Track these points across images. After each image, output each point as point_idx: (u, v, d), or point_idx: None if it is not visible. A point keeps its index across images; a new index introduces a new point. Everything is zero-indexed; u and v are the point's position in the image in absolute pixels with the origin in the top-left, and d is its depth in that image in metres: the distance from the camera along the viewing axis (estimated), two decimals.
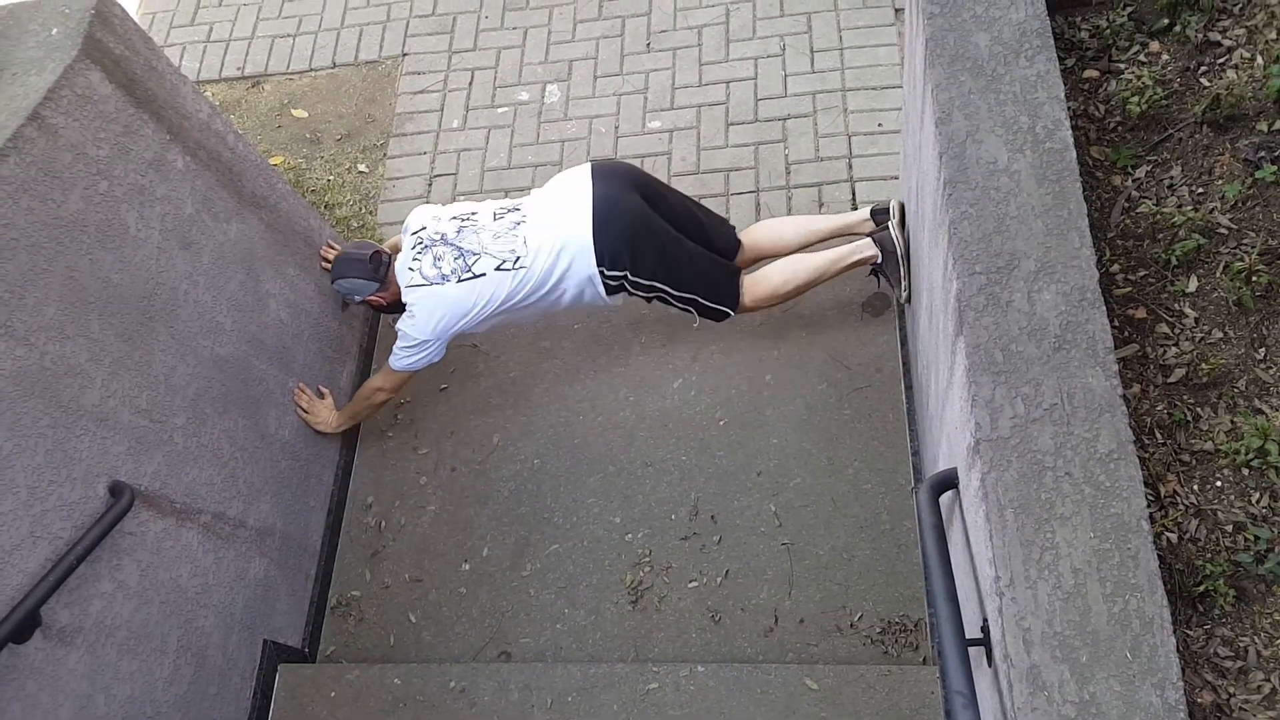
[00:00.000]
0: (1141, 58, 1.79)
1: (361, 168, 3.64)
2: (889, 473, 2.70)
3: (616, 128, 3.54)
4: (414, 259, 2.62)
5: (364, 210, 3.52)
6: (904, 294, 2.57)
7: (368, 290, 2.69)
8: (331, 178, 3.63)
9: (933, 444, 2.15)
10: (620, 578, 2.71)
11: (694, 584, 2.66)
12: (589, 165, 2.63)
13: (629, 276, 2.54)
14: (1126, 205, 1.67)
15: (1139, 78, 1.74)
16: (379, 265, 2.68)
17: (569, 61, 3.75)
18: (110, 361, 2.08)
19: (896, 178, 3.15)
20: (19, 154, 1.88)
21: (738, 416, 2.88)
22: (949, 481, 1.66)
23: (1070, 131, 1.59)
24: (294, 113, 3.84)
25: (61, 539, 1.93)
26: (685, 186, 3.33)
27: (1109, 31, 1.79)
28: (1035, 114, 1.62)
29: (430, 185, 3.54)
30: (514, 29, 3.90)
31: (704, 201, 3.28)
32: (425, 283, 2.57)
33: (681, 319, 3.04)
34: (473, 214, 2.64)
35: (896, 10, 3.65)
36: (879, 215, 2.67)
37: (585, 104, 3.62)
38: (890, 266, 2.59)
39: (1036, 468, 1.36)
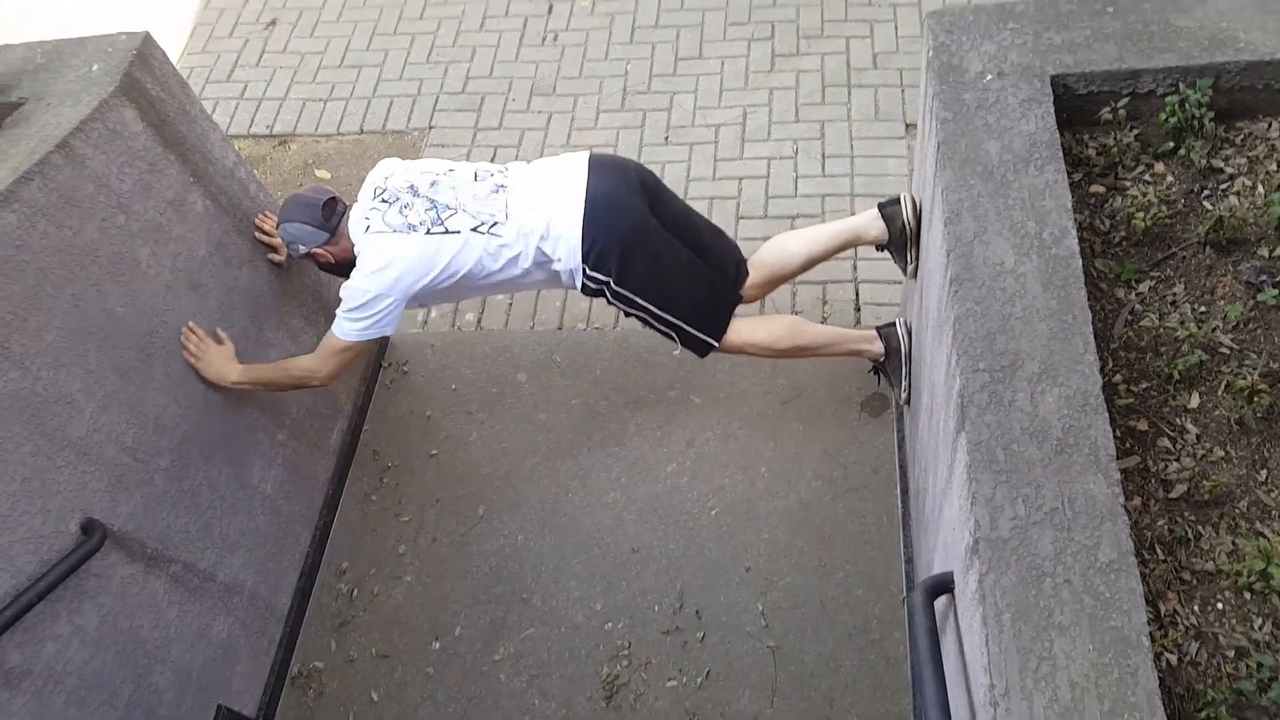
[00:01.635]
0: (1147, 177, 1.83)
1: None
2: (880, 579, 2.64)
3: None
4: (373, 208, 2.33)
5: None
6: (904, 395, 2.55)
7: (315, 240, 2.35)
8: None
9: (928, 549, 2.11)
10: (596, 670, 2.62)
11: (673, 683, 2.57)
12: (586, 153, 2.41)
13: (611, 285, 2.35)
14: (1130, 318, 1.68)
15: (1144, 195, 1.78)
16: (331, 214, 2.36)
17: (589, 147, 3.83)
18: (103, 395, 2.06)
19: (900, 282, 3.19)
20: (43, 179, 1.91)
21: (730, 507, 2.84)
22: (944, 585, 1.62)
23: (1076, 240, 1.61)
24: (317, 173, 3.91)
25: (25, 573, 1.88)
26: None
27: (1115, 150, 1.83)
28: (1043, 221, 1.65)
29: None
30: (539, 113, 4.01)
31: None
32: (387, 229, 2.28)
33: (681, 403, 3.04)
34: (450, 170, 2.39)
35: (907, 125, 3.76)
36: (888, 208, 2.42)
37: None
38: (893, 365, 2.55)
39: (1036, 572, 1.33)
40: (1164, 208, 1.74)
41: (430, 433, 3.12)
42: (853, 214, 3.44)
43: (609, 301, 2.44)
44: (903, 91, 3.86)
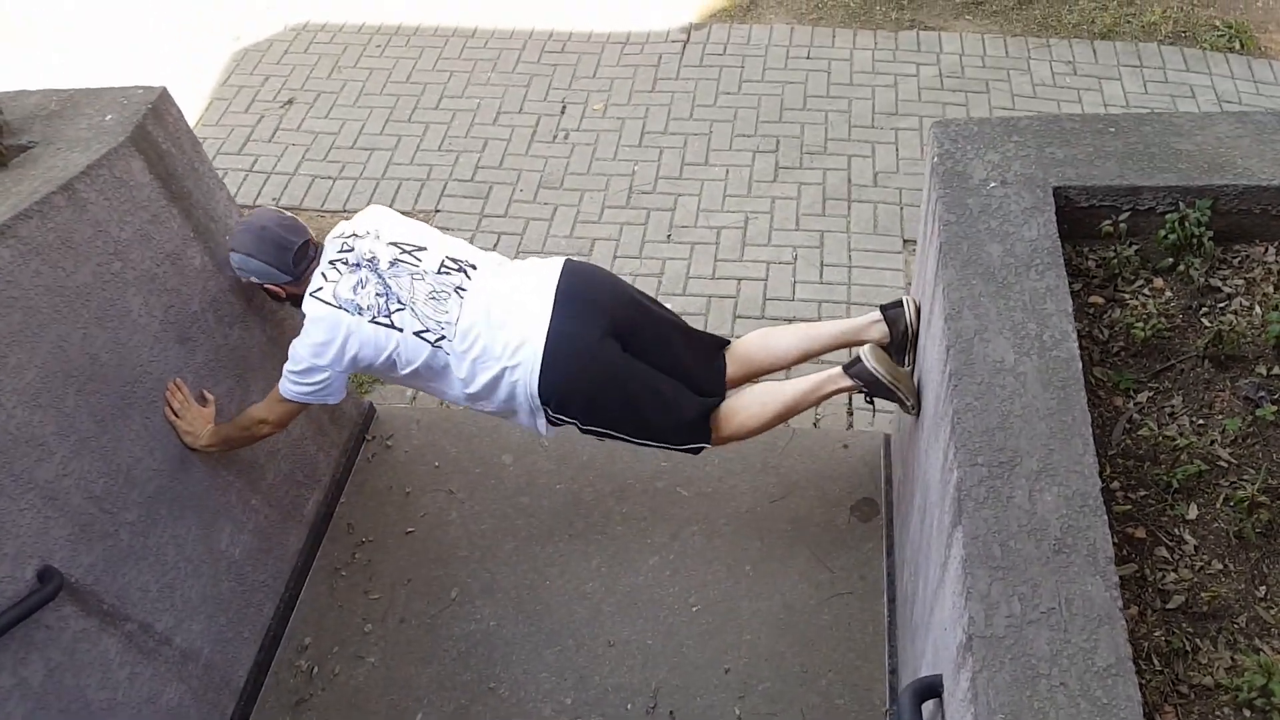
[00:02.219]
0: (1146, 291, 1.85)
1: None
2: (864, 690, 2.54)
3: None
4: (332, 268, 2.24)
5: None
6: (913, 407, 2.21)
7: (273, 280, 2.28)
8: None
9: (915, 655, 2.04)
10: None
11: None
12: (560, 265, 2.29)
13: (580, 425, 2.28)
14: (1128, 426, 1.67)
15: (1144, 306, 1.79)
16: (302, 259, 2.26)
17: (592, 239, 3.90)
18: (76, 439, 2.01)
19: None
20: (42, 218, 1.90)
21: (711, 605, 2.75)
22: (933, 689, 1.56)
23: (1076, 343, 1.61)
24: None
25: None
26: None
27: (1115, 262, 1.86)
28: (1043, 323, 1.65)
29: None
30: (545, 204, 4.08)
31: None
32: (334, 304, 2.19)
33: (668, 495, 2.99)
34: (420, 249, 2.28)
35: (905, 241, 3.83)
36: (890, 310, 2.34)
37: None
38: (880, 391, 2.25)
39: (1030, 673, 1.28)
40: (1163, 320, 1.75)
41: (408, 510, 3.04)
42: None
43: (581, 431, 2.35)
44: (901, 209, 3.95)
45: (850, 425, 3.19)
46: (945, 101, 4.45)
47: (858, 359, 2.24)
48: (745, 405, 2.43)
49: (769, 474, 3.02)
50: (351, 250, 2.26)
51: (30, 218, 1.88)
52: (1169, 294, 1.84)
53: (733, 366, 2.51)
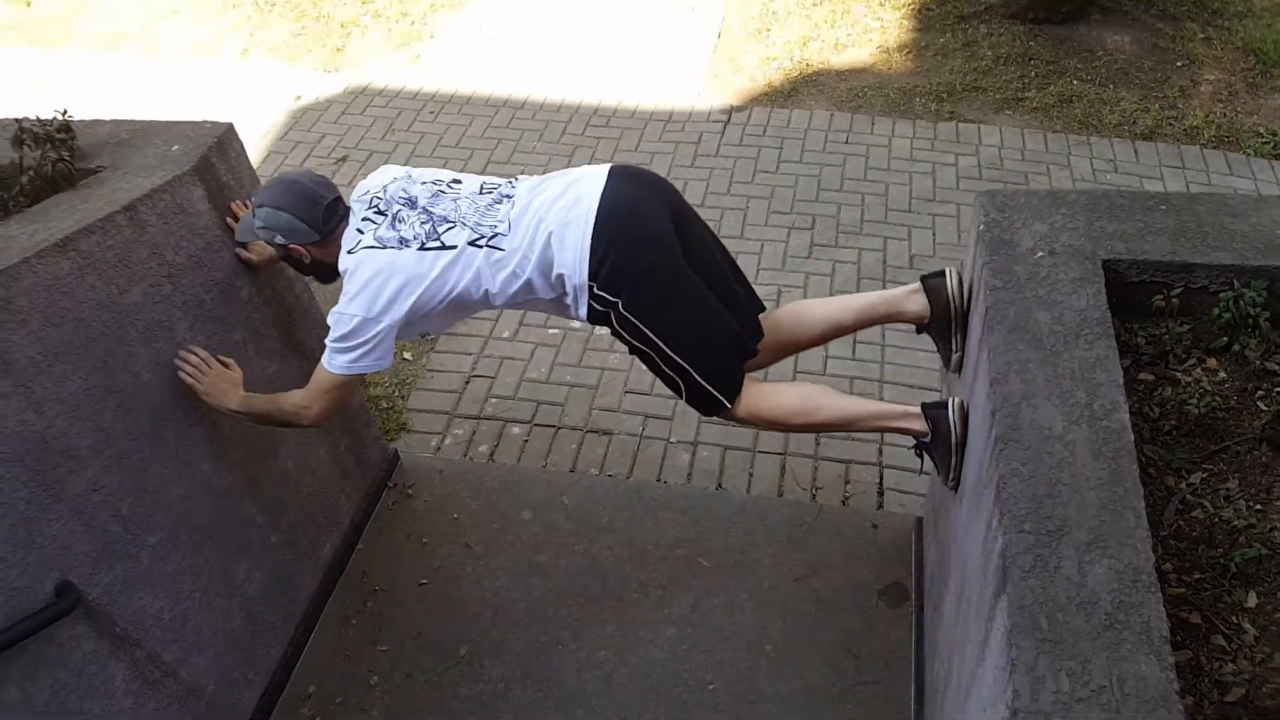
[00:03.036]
0: (1198, 371, 1.81)
1: (406, 355, 3.70)
2: None
3: None
4: (366, 219, 2.11)
5: (396, 394, 3.54)
6: (952, 480, 2.09)
7: (303, 239, 2.11)
8: None
9: None
10: None
11: None
12: (608, 166, 2.13)
13: (619, 308, 2.03)
14: (1180, 506, 1.62)
15: (1198, 382, 1.76)
16: (332, 215, 2.12)
17: None
18: (110, 455, 2.00)
19: (928, 472, 3.13)
20: (103, 234, 1.93)
21: (730, 685, 2.66)
22: None
23: (1128, 414, 1.58)
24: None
25: None
26: (715, 435, 3.34)
27: (1167, 339, 1.83)
28: (1093, 393, 1.62)
29: (467, 382, 3.58)
30: None
31: (728, 454, 3.30)
32: (377, 245, 2.06)
33: (688, 564, 2.92)
34: (454, 181, 2.17)
35: None
36: (931, 280, 2.17)
37: None
38: (939, 451, 2.08)
39: None
40: (1218, 398, 1.72)
41: (424, 561, 3.00)
42: (881, 400, 3.45)
43: (614, 330, 2.10)
44: None
45: (881, 505, 3.13)
46: (984, 190, 4.48)
47: (944, 406, 2.05)
48: (796, 395, 2.22)
49: (794, 549, 2.96)
50: (382, 199, 2.14)
51: (92, 233, 1.91)
52: (1223, 374, 1.80)
53: (764, 339, 2.32)
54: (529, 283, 2.07)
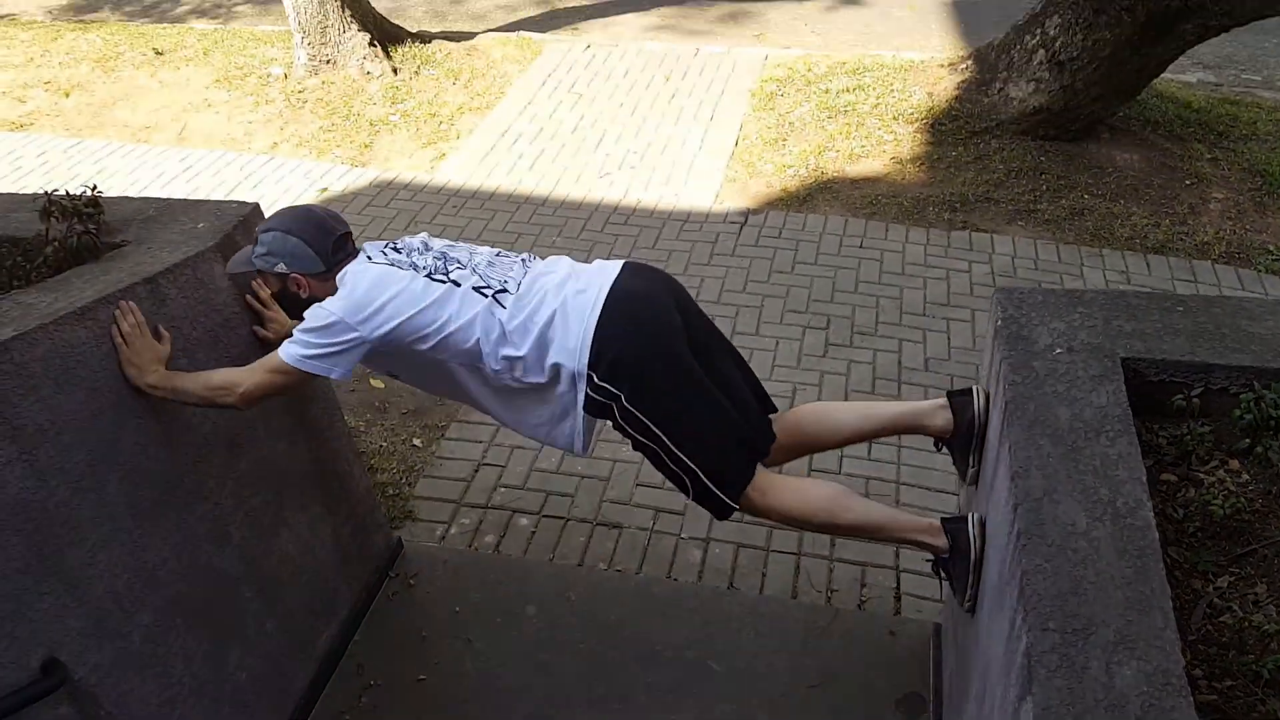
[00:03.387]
0: (1221, 473, 1.77)
1: (416, 442, 3.68)
2: None
3: None
4: (380, 250, 2.12)
5: (403, 480, 3.50)
6: (968, 603, 2.04)
7: (307, 266, 2.07)
8: (385, 444, 3.66)
9: None
10: None
11: None
12: (621, 260, 2.16)
13: (623, 400, 1.97)
14: (1208, 610, 1.56)
15: (1221, 483, 1.71)
16: (340, 250, 2.09)
17: None
18: (110, 529, 1.97)
19: (936, 590, 3.05)
20: None
21: None
22: None
23: (1152, 512, 1.54)
24: (372, 381, 3.99)
25: None
26: (728, 531, 3.27)
27: (1189, 440, 1.80)
28: (1116, 490, 1.58)
29: (476, 471, 3.54)
30: None
31: (741, 552, 3.22)
32: (385, 261, 2.05)
33: (698, 668, 2.82)
34: (473, 250, 2.19)
35: None
36: (958, 398, 2.17)
37: None
38: (957, 569, 2.04)
39: None
40: (1243, 499, 1.67)
41: (423, 655, 2.90)
42: (897, 504, 3.39)
43: (616, 424, 2.04)
44: None
45: (898, 610, 3.03)
46: (1000, 287, 4.51)
47: (964, 521, 2.03)
48: (818, 493, 2.17)
49: (808, 656, 2.85)
50: (400, 242, 2.16)
51: (111, 304, 1.93)
52: (1246, 476, 1.76)
53: (779, 433, 2.29)
54: (523, 359, 2.02)
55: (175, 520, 2.17)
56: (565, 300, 2.01)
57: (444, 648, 2.93)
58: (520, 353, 2.01)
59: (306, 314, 2.01)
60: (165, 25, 7.76)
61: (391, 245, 2.16)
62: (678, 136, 5.87)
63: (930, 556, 2.16)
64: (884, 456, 3.60)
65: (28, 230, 2.22)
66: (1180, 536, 1.69)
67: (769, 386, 3.88)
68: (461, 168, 5.61)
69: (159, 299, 2.05)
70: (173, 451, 2.13)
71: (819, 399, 3.88)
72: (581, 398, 2.01)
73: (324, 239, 2.07)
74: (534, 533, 3.32)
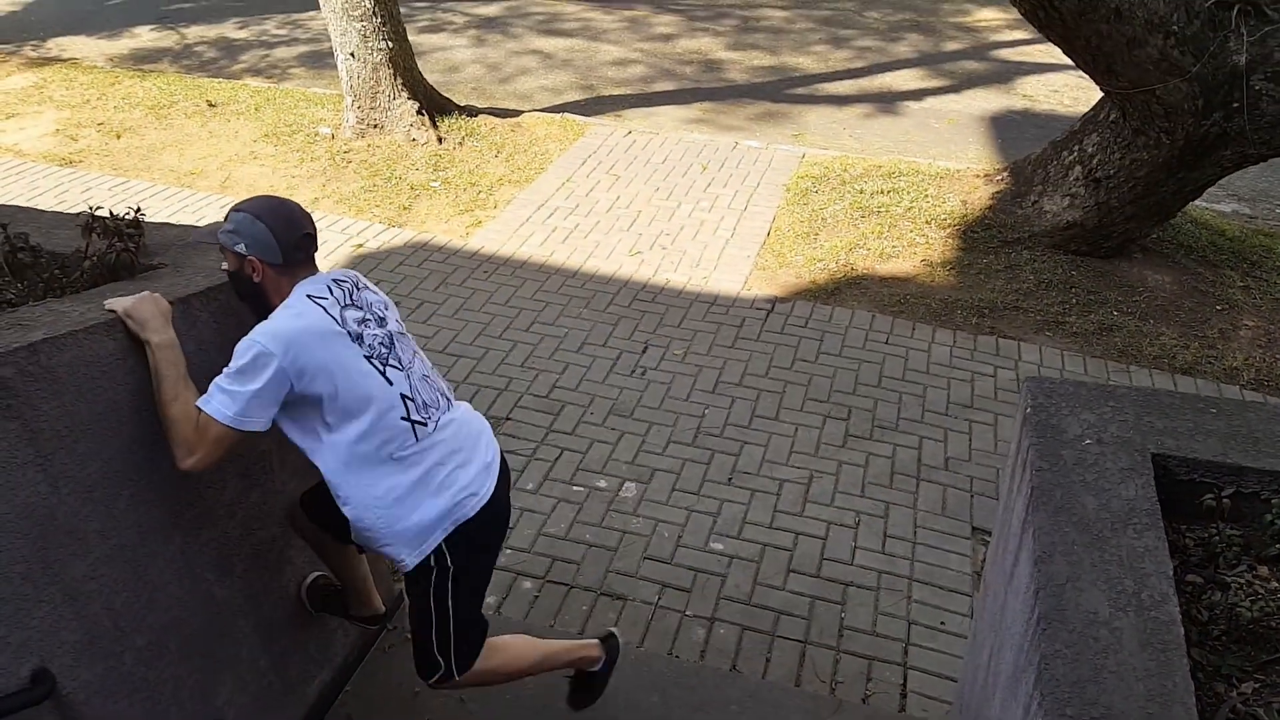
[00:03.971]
0: (1250, 576, 1.72)
1: None
2: None
3: (679, 537, 3.52)
4: (337, 285, 2.09)
5: None
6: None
7: (267, 254, 2.01)
8: None
9: None
10: None
11: None
12: (497, 457, 2.29)
13: (450, 573, 2.17)
14: (1231, 715, 1.49)
15: (1250, 585, 1.66)
16: (302, 247, 2.05)
17: (652, 469, 3.87)
18: (115, 544, 1.95)
19: (954, 679, 2.95)
20: None
21: None
22: None
23: (1178, 608, 1.49)
24: None
25: None
26: (734, 613, 3.20)
27: (1218, 542, 1.75)
28: (1141, 582, 1.54)
29: None
30: (612, 429, 4.11)
31: (745, 635, 3.15)
32: (334, 317, 2.02)
33: None
34: (416, 352, 2.22)
35: (974, 529, 3.71)
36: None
37: (657, 508, 3.66)
38: (600, 681, 2.66)
39: None
40: (1272, 604, 1.62)
41: (413, 712, 2.82)
42: (909, 598, 3.31)
43: (417, 589, 2.20)
44: (972, 497, 3.87)
45: (903, 708, 2.93)
46: (1031, 377, 4.48)
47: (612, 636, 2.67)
48: (510, 646, 2.49)
49: None
50: (355, 290, 2.14)
51: None
52: (1275, 583, 1.71)
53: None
54: (398, 496, 2.08)
55: (180, 544, 2.15)
56: (473, 460, 2.19)
57: (436, 706, 2.84)
58: (408, 483, 2.09)
59: (237, 348, 1.94)
60: (221, 80, 8.07)
61: (350, 286, 2.14)
62: (710, 222, 5.97)
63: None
64: (898, 552, 3.53)
65: (68, 247, 2.26)
66: (1204, 639, 1.63)
67: (785, 471, 3.89)
68: (496, 236, 5.71)
69: (191, 320, 2.08)
70: (185, 476, 2.12)
71: (834, 489, 3.84)
72: (430, 545, 2.14)
73: (290, 232, 2.04)
74: (536, 597, 3.26)
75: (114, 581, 1.97)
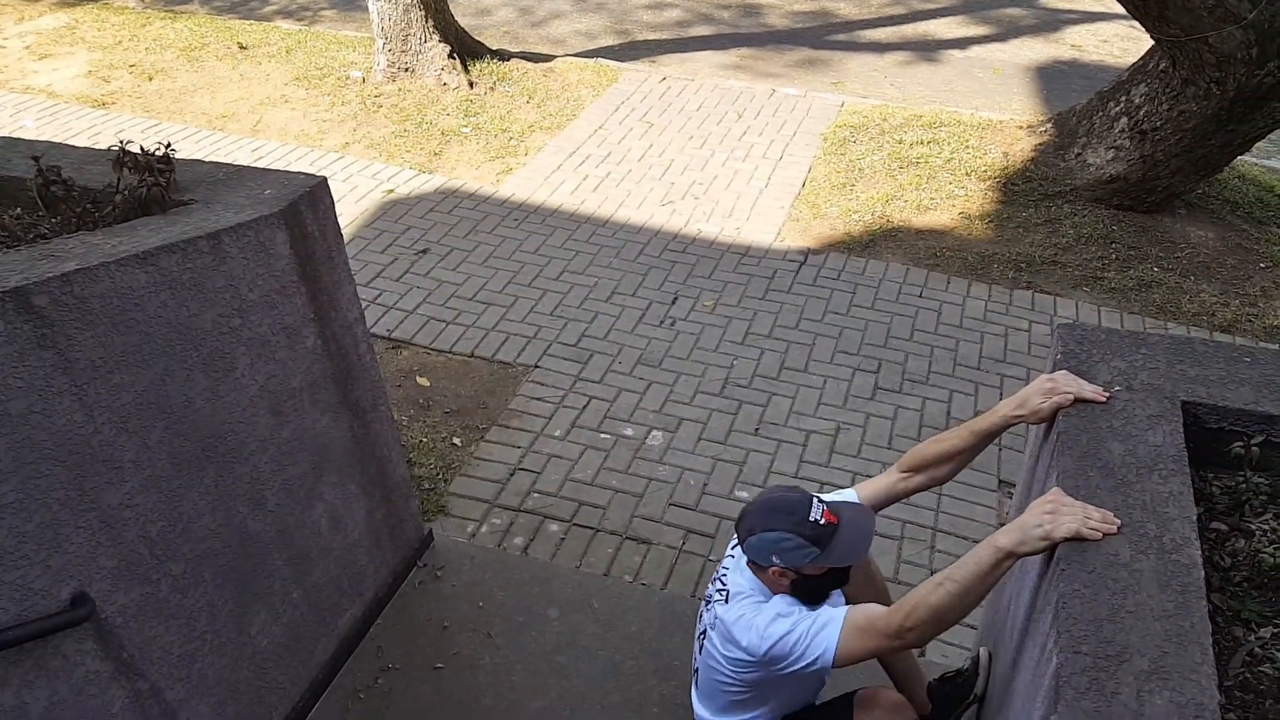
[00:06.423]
0: (1275, 523, 1.70)
1: (456, 440, 3.70)
2: None
3: (705, 485, 3.54)
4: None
5: (440, 476, 3.52)
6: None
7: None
8: (425, 440, 3.69)
9: None
10: None
11: None
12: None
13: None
14: (1248, 659, 1.49)
15: (1275, 532, 1.64)
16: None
17: (680, 419, 3.89)
18: (150, 474, 2.00)
19: (974, 627, 2.96)
20: (184, 256, 2.00)
21: None
22: None
23: (1199, 551, 1.48)
24: (418, 379, 4.04)
25: None
26: None
27: (1244, 489, 1.73)
28: (1164, 526, 1.53)
29: (512, 474, 3.55)
30: (640, 379, 4.13)
31: None
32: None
33: None
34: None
35: (1000, 481, 3.70)
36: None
37: (683, 456, 3.68)
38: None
39: None
40: None
41: (442, 645, 2.90)
42: (932, 548, 3.31)
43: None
44: (1000, 450, 3.84)
45: (922, 653, 2.94)
46: (1063, 323, 4.42)
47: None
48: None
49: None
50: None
51: (173, 253, 1.98)
52: None
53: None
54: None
55: (214, 477, 2.20)
56: None
57: (464, 640, 2.91)
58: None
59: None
60: (251, 22, 8.06)
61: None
62: (745, 172, 5.90)
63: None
64: (923, 502, 3.52)
65: (99, 182, 2.29)
66: (1225, 584, 1.62)
67: (812, 423, 3.88)
68: (526, 183, 5.70)
69: (220, 255, 2.10)
70: (218, 408, 2.17)
71: (861, 440, 3.83)
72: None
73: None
74: (563, 539, 3.31)
75: (149, 510, 2.03)
